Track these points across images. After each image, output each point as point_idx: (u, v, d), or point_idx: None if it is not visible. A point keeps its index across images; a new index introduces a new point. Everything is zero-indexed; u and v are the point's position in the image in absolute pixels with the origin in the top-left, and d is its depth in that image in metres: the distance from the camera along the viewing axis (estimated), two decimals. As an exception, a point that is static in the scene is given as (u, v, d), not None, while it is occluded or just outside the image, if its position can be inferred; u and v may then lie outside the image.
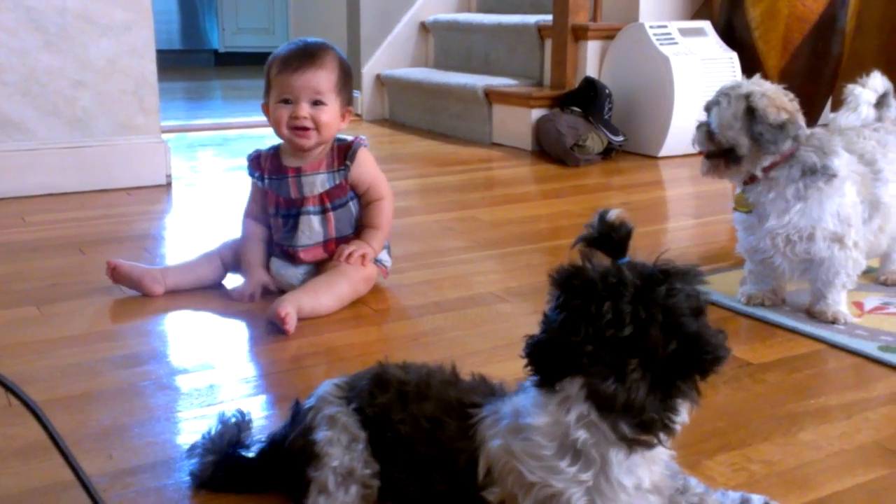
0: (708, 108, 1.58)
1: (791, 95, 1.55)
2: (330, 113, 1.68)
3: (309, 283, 1.68)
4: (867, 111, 1.71)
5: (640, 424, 0.80)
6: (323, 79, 1.67)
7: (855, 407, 1.27)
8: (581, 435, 0.81)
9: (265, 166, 1.75)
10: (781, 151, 1.52)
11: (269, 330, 1.56)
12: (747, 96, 1.52)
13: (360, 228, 1.77)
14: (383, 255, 1.79)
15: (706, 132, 1.58)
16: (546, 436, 0.83)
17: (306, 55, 1.67)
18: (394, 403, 0.94)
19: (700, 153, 1.63)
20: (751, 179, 1.58)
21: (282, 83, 1.67)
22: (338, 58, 1.72)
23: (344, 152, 1.73)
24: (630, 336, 0.78)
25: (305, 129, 1.67)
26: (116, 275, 1.72)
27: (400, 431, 0.92)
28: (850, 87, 1.76)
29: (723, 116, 1.53)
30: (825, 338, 1.51)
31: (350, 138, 1.75)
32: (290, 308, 1.54)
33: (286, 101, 1.67)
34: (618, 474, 0.82)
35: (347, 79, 1.73)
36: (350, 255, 1.69)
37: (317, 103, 1.67)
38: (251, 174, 1.77)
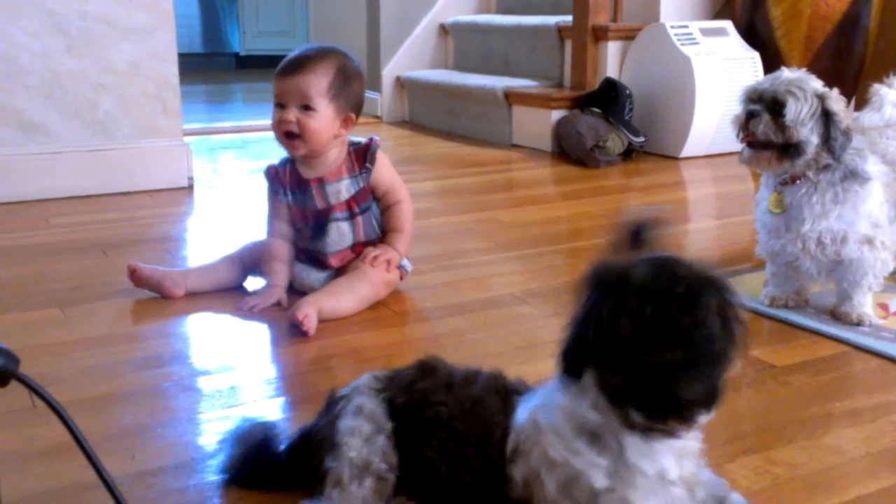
0: (776, 99, 1.49)
1: None
2: (319, 120, 1.65)
3: (329, 284, 1.68)
4: (892, 112, 1.68)
5: (652, 414, 0.81)
6: (312, 83, 1.64)
7: (880, 410, 1.26)
8: (593, 417, 0.84)
9: (285, 180, 1.73)
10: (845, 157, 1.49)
11: (289, 332, 1.56)
12: (822, 97, 1.49)
13: (383, 233, 1.77)
14: (404, 260, 1.79)
15: (777, 120, 1.50)
16: (565, 415, 0.86)
17: (301, 59, 1.66)
18: (437, 388, 0.95)
19: (747, 139, 1.55)
20: (792, 180, 1.55)
21: (276, 87, 1.68)
22: (338, 62, 1.68)
23: (362, 155, 1.72)
24: (635, 339, 0.79)
25: (292, 134, 1.65)
26: (136, 278, 1.73)
27: (439, 413, 0.92)
28: (876, 86, 1.74)
29: (801, 111, 1.48)
30: (850, 340, 1.50)
31: (364, 140, 1.75)
32: (309, 310, 1.54)
33: (279, 106, 1.67)
34: (635, 459, 0.83)
35: (347, 83, 1.68)
36: (375, 258, 1.70)
37: (306, 108, 1.64)
38: (274, 190, 1.74)
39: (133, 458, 1.12)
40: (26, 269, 1.94)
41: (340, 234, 1.72)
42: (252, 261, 1.79)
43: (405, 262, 1.79)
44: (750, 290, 1.73)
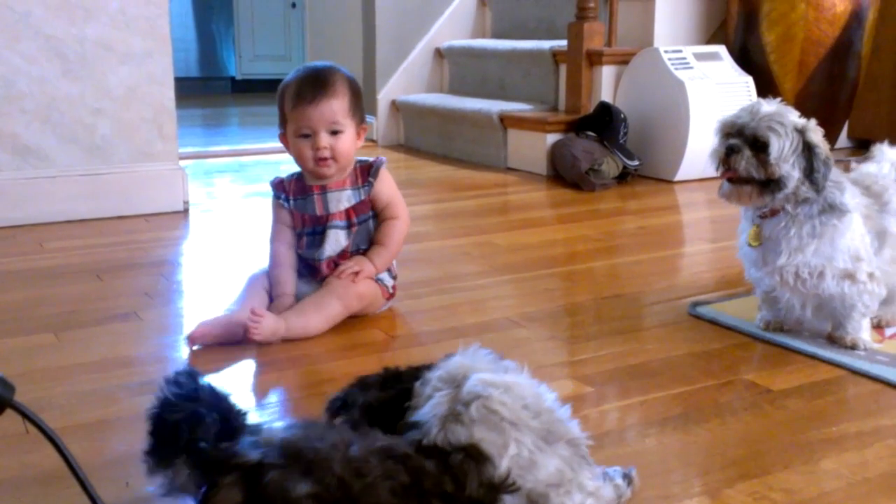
0: (756, 136, 1.48)
1: None
2: (347, 140, 1.71)
3: (300, 303, 1.68)
4: (888, 169, 1.65)
5: None
6: (337, 107, 1.68)
7: (877, 434, 1.25)
8: None
9: (290, 189, 1.77)
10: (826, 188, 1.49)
11: (241, 346, 1.56)
12: (801, 130, 1.49)
13: (369, 245, 1.77)
14: (384, 275, 1.78)
15: (759, 156, 1.49)
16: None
17: (318, 85, 1.68)
18: None
19: (726, 174, 1.54)
20: (771, 213, 1.55)
21: (298, 117, 1.69)
22: (346, 80, 1.73)
23: (367, 170, 1.76)
24: None
25: (325, 158, 1.69)
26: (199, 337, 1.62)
27: None
28: (879, 145, 1.70)
29: (784, 147, 1.48)
30: (845, 364, 1.50)
31: (371, 159, 1.78)
32: (265, 319, 1.55)
33: (305, 136, 1.70)
34: None
35: (358, 98, 1.74)
36: (342, 271, 1.70)
37: (335, 133, 1.69)
38: (277, 196, 1.78)
39: (127, 486, 1.11)
40: (21, 293, 1.94)
41: (337, 243, 1.74)
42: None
43: (386, 278, 1.78)
44: (745, 313, 1.73)
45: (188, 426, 0.80)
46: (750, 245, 1.59)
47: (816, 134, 1.49)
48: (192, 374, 0.82)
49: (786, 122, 1.49)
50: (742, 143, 1.51)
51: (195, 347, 1.60)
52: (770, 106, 1.52)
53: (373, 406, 0.92)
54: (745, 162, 1.50)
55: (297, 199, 1.76)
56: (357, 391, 0.95)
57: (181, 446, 0.80)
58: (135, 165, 2.69)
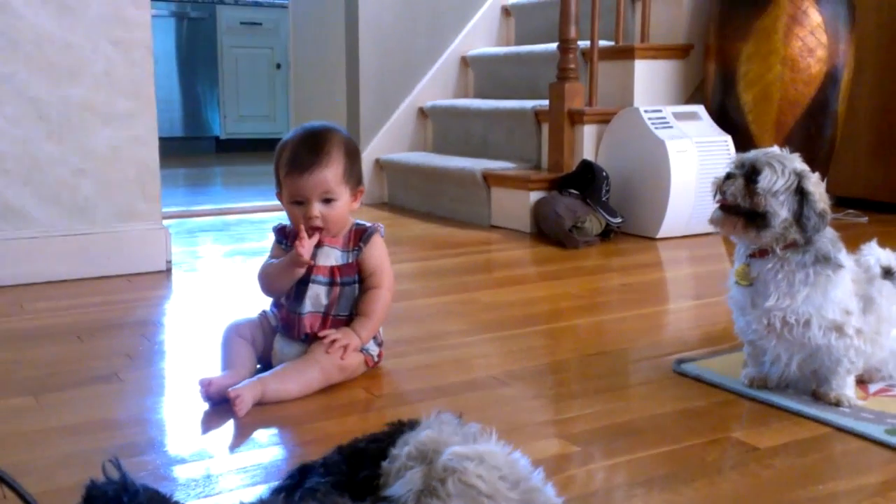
0: (756, 167, 1.52)
1: None
2: (340, 207, 1.72)
3: (279, 368, 1.67)
4: (874, 263, 1.66)
5: None
6: (331, 175, 1.69)
7: (863, 492, 1.25)
8: None
9: (290, 236, 1.79)
10: (818, 238, 1.51)
11: (223, 408, 1.53)
12: (800, 175, 1.52)
13: (353, 314, 1.76)
14: (369, 344, 1.77)
15: (749, 187, 1.52)
16: None
17: (312, 152, 1.69)
18: None
19: (719, 201, 1.58)
20: (760, 253, 1.57)
21: (291, 185, 1.70)
22: (343, 144, 1.73)
23: (360, 235, 1.76)
24: None
25: (317, 227, 1.71)
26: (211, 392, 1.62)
27: None
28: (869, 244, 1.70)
29: (775, 182, 1.51)
30: (831, 421, 1.49)
31: (369, 224, 1.79)
32: (245, 392, 1.54)
33: (298, 203, 1.71)
34: None
35: (354, 161, 1.75)
36: (333, 342, 1.69)
37: (327, 201, 1.70)
38: (279, 240, 1.80)
39: (105, 552, 1.09)
40: (0, 355, 1.91)
41: (318, 299, 1.73)
42: (250, 334, 1.77)
43: (372, 348, 1.78)
44: (730, 370, 1.73)
45: (117, 490, 0.78)
46: (738, 283, 1.60)
47: (816, 186, 1.52)
48: (119, 467, 0.80)
49: (787, 162, 1.53)
50: (740, 173, 1.55)
51: (209, 405, 1.59)
52: (781, 150, 1.56)
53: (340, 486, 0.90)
54: (735, 188, 1.54)
55: (291, 247, 1.76)
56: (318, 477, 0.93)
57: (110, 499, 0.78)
58: (117, 225, 2.68)
